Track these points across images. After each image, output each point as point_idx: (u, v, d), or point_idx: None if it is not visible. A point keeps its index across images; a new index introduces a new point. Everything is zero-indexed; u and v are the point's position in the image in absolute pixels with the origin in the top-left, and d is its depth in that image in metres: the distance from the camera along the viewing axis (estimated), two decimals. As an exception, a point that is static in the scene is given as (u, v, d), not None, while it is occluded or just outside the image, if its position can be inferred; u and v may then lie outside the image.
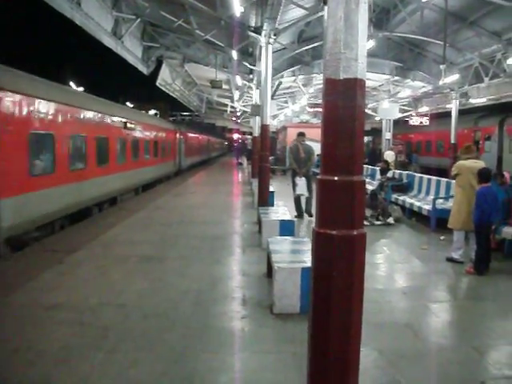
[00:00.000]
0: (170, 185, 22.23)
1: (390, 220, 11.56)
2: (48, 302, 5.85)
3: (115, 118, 15.75)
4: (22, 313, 5.54)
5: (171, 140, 26.96)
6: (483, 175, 7.47)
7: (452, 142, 24.48)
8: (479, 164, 7.97)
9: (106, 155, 14.71)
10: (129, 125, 17.07)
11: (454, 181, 8.64)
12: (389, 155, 21.56)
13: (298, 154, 12.22)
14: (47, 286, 6.54)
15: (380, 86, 27.38)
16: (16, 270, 7.34)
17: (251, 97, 24.81)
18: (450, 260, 8.08)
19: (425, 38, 17.30)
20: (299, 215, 12.14)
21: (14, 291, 6.22)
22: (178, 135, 29.15)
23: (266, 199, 11.67)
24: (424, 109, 30.83)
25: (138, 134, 18.70)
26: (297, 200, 12.23)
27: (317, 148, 6.27)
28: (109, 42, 14.80)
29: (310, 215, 12.08)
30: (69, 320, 5.28)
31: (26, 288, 6.40)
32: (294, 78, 22.35)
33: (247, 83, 22.38)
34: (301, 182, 11.89)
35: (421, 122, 29.05)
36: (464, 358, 4.63)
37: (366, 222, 10.89)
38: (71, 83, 35.52)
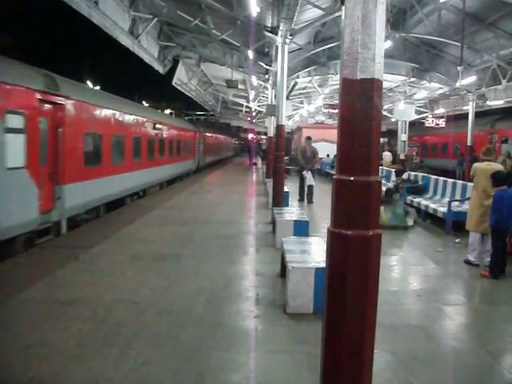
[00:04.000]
0: (185, 184, 22.26)
1: (409, 222, 11.44)
2: (63, 297, 5.91)
3: None
4: (36, 308, 5.59)
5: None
6: (496, 178, 7.36)
7: (468, 144, 24.27)
8: (493, 166, 7.88)
9: None
10: None
11: (470, 183, 8.56)
12: (386, 156, 21.67)
13: (306, 153, 15.91)
14: (62, 281, 6.61)
15: (396, 87, 27.22)
16: (32, 266, 7.41)
17: (266, 97, 24.81)
18: (467, 263, 8.01)
19: (442, 39, 17.15)
20: (301, 199, 15.71)
21: (30, 286, 6.29)
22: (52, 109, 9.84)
23: (280, 199, 11.65)
24: (440, 110, 30.60)
25: None
26: (301, 188, 15.89)
27: (333, 149, 6.39)
28: (125, 41, 14.88)
29: (311, 202, 15.36)
30: (83, 316, 5.32)
31: (41, 283, 6.47)
32: (309, 78, 22.28)
33: (263, 83, 22.36)
34: (308, 175, 15.44)
35: (437, 124, 28.85)
36: (478, 361, 4.59)
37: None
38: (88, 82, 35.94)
